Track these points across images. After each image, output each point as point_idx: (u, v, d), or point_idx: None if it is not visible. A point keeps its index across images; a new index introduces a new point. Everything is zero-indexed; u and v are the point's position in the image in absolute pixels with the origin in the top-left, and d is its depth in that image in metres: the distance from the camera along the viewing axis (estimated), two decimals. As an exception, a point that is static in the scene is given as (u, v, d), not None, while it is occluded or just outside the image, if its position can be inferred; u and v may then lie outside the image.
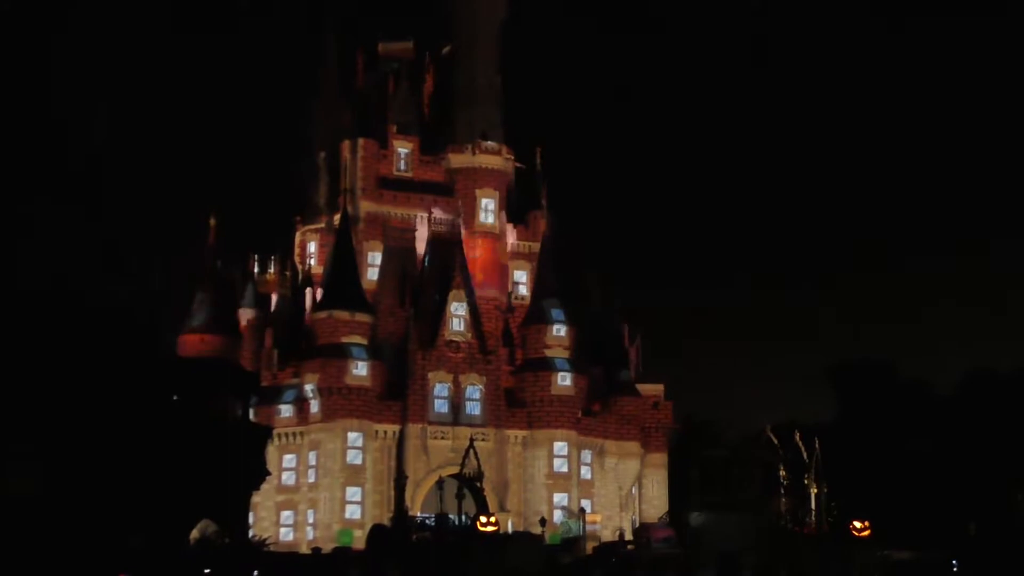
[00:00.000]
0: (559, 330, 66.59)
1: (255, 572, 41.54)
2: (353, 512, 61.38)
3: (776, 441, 58.76)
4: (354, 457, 61.99)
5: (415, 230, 69.62)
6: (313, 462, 62.84)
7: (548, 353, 66.31)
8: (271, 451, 57.34)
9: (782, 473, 57.98)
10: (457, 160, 70.82)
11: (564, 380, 65.79)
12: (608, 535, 63.57)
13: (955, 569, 51.56)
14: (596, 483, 67.84)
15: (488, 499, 62.46)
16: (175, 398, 41.28)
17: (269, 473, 49.12)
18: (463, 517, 53.40)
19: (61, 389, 36.81)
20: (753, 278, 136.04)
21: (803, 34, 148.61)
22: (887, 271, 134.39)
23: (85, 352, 37.91)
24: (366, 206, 68.52)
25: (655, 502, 69.54)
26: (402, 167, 71.12)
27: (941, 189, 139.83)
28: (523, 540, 52.49)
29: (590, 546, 56.66)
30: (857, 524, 51.20)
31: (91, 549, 35.23)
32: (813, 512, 56.67)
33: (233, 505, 41.41)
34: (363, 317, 63.86)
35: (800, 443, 57.59)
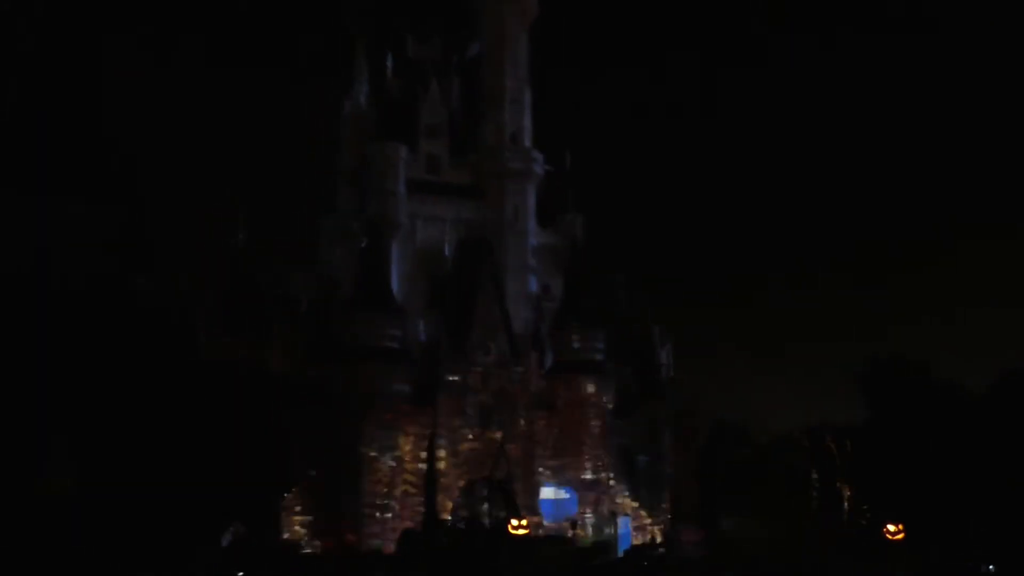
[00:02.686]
0: (590, 333, 66.30)
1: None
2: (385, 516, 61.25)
3: (807, 443, 58.46)
4: (385, 461, 61.85)
5: (445, 233, 69.70)
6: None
7: (579, 356, 66.05)
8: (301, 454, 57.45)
9: (813, 475, 57.68)
10: (487, 163, 70.83)
11: (594, 383, 65.48)
12: (638, 538, 63.32)
13: (991, 572, 51.13)
14: (626, 485, 67.56)
15: (519, 502, 62.27)
16: (206, 401, 41.47)
17: (300, 476, 49.52)
18: (493, 520, 53.38)
19: (95, 393, 37.05)
20: (784, 279, 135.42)
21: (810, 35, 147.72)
22: (921, 271, 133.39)
23: (118, 355, 38.14)
24: (395, 209, 68.61)
25: (685, 505, 69.17)
26: (431, 169, 71.21)
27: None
28: (553, 543, 52.46)
29: (620, 549, 56.53)
30: (891, 527, 50.80)
31: (125, 551, 35.45)
32: (845, 515, 56.35)
33: (264, 508, 41.61)
34: (393, 320, 63.80)
35: (832, 445, 57.27)
